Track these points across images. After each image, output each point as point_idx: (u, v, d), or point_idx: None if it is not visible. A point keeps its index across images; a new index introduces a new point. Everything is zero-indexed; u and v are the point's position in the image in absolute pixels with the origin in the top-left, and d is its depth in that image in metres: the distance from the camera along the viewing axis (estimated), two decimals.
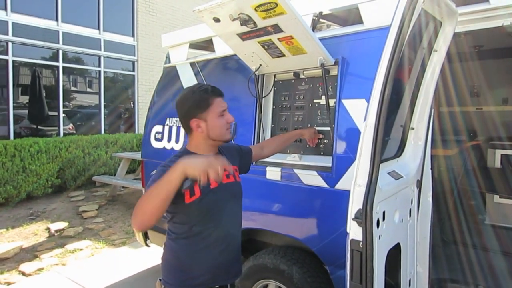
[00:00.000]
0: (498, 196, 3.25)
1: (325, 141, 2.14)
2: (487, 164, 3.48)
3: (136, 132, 9.54)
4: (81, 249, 4.31)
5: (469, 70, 3.48)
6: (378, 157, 1.29)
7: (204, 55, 3.02)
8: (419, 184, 1.88)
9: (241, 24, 1.96)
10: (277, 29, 1.93)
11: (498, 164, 3.44)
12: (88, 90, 9.52)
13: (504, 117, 3.88)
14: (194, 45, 3.16)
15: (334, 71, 2.09)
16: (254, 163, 2.32)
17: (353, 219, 1.32)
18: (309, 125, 2.22)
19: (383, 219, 1.43)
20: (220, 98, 1.56)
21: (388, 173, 1.63)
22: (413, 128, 1.90)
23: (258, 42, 2.09)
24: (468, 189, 3.15)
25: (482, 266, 2.59)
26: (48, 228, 4.96)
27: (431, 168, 1.97)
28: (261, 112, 2.37)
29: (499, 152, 3.44)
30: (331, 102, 2.08)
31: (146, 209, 1.23)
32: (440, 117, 3.64)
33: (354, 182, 1.36)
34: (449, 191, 3.09)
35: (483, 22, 1.93)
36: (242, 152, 1.82)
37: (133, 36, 9.72)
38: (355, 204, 1.34)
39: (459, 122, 3.57)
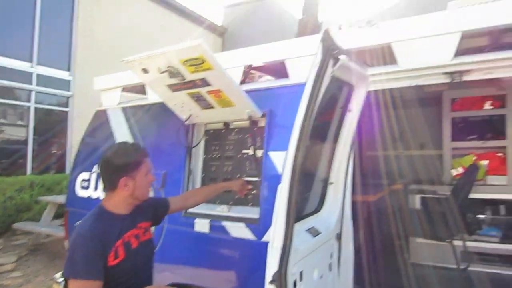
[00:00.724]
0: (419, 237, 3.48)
1: (253, 192, 2.16)
2: (409, 206, 3.75)
3: (67, 172, 8.86)
4: None
5: (389, 119, 3.81)
6: (293, 219, 1.32)
7: (136, 101, 2.96)
8: (339, 237, 1.95)
9: (170, 77, 1.98)
10: (205, 83, 1.97)
11: (418, 206, 3.71)
12: (18, 124, 8.76)
13: (422, 160, 4.25)
14: (128, 89, 3.10)
15: (262, 122, 2.16)
16: (183, 213, 2.26)
17: (269, 283, 1.31)
18: (238, 175, 2.24)
19: (301, 279, 1.44)
20: (147, 158, 1.60)
21: (307, 230, 1.67)
22: (332, 183, 2.00)
23: (188, 94, 2.11)
24: (391, 232, 3.34)
25: None
26: None
27: (353, 217, 2.07)
28: (190, 162, 2.35)
29: (418, 196, 3.73)
30: (259, 153, 2.12)
31: None
32: (364, 164, 3.89)
33: (271, 244, 1.37)
34: (375, 235, 3.24)
35: (394, 82, 2.14)
36: (157, 205, 1.81)
37: (69, 70, 9.30)
38: (272, 266, 1.34)
39: (381, 167, 3.83)
